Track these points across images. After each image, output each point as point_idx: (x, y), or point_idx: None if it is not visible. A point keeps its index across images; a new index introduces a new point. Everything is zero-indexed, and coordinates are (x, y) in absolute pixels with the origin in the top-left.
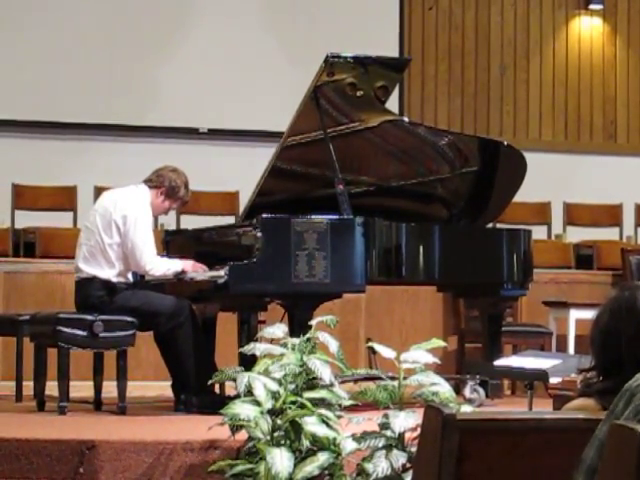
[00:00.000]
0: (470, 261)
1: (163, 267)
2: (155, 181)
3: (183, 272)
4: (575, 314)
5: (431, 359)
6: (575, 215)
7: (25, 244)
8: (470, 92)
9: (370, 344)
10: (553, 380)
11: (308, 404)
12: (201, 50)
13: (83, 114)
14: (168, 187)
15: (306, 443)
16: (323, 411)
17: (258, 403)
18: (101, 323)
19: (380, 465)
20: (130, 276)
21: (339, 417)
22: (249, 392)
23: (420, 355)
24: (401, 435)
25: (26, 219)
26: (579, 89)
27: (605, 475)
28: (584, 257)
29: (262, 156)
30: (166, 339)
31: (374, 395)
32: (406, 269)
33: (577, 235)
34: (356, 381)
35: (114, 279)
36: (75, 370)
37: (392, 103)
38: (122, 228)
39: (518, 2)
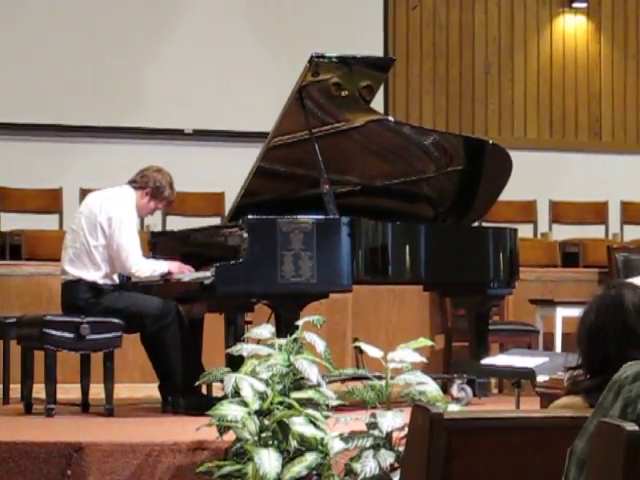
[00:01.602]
0: (456, 260)
1: (149, 268)
2: (140, 182)
3: (169, 273)
4: (562, 312)
5: (418, 358)
6: (561, 213)
7: (11, 247)
8: (455, 91)
9: (357, 344)
10: (540, 378)
11: (295, 404)
12: (186, 51)
13: (68, 116)
14: (153, 187)
15: (294, 443)
16: (310, 411)
17: (245, 404)
18: (88, 325)
19: (368, 465)
20: (116, 278)
21: (327, 417)
22: (236, 393)
23: (407, 354)
24: (389, 435)
25: (12, 222)
26: (564, 87)
27: (593, 471)
28: (570, 255)
29: (247, 157)
30: (153, 341)
31: (361, 395)
32: (392, 268)
33: (563, 233)
34: (343, 381)
35: (100, 281)
36: (62, 372)
37: (377, 102)
38: (107, 230)
39: (502, 0)
